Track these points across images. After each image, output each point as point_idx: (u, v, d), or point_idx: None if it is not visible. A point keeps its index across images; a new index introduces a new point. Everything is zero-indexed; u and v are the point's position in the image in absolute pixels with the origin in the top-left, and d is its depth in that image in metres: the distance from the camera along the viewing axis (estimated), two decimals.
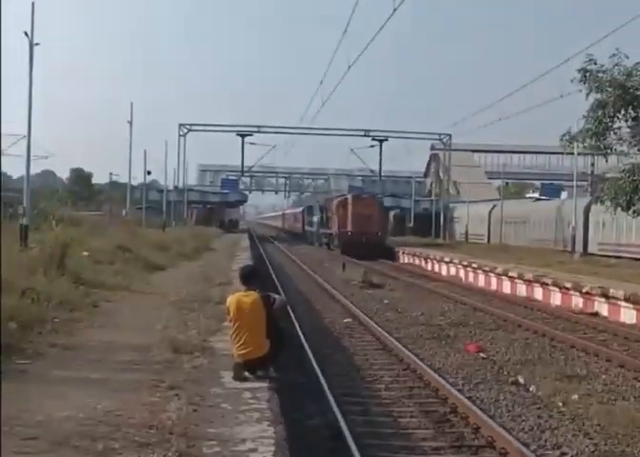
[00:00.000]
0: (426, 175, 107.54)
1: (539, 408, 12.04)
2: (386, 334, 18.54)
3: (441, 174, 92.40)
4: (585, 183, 67.00)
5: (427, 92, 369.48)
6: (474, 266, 36.93)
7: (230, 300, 10.46)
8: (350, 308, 23.92)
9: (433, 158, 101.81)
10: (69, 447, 6.87)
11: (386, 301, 26.67)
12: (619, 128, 28.47)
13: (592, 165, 63.19)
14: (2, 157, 42.25)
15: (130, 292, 19.87)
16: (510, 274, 31.86)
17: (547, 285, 28.29)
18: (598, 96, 27.74)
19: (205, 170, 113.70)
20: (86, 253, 24.10)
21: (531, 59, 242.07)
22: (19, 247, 21.93)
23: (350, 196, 60.92)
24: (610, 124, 28.00)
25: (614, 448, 10.14)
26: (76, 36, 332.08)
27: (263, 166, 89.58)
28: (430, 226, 76.18)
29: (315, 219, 74.70)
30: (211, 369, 10.51)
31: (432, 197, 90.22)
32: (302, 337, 17.34)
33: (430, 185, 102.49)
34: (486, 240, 66.41)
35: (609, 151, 29.13)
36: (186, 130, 79.17)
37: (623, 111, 27.73)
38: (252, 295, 10.30)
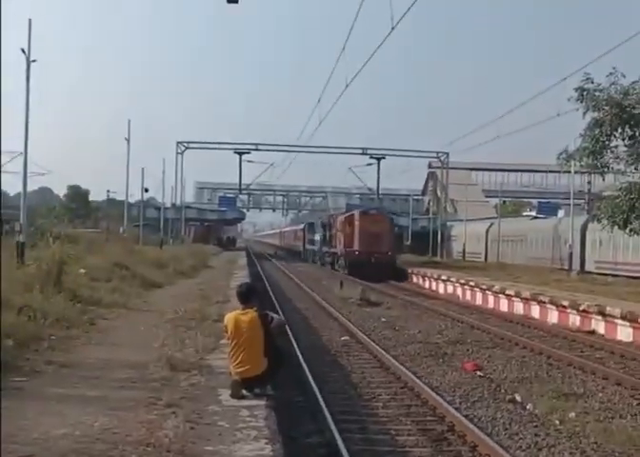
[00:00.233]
0: (423, 193, 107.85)
1: (536, 426, 12.02)
2: (383, 352, 18.52)
3: (438, 192, 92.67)
4: (582, 201, 67.19)
5: (425, 111, 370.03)
6: (471, 284, 36.91)
7: (228, 318, 10.42)
8: (347, 326, 23.90)
9: (431, 176, 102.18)
10: None
11: (383, 319, 26.64)
12: (616, 146, 28.61)
13: (589, 183, 63.41)
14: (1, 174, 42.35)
15: (127, 310, 19.87)
16: (508, 292, 31.84)
17: (544, 303, 28.27)
18: (595, 115, 27.89)
19: (202, 188, 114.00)
20: (83, 271, 24.09)
21: (530, 77, 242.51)
22: (16, 264, 21.91)
23: (357, 212, 55.84)
24: (606, 142, 28.14)
25: None
26: (74, 52, 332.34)
27: (260, 183, 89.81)
28: (428, 244, 76.25)
29: (317, 237, 71.36)
30: (209, 387, 10.49)
31: (430, 215, 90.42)
32: (300, 355, 17.30)
33: (428, 203, 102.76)
34: (483, 258, 66.51)
35: (605, 170, 29.24)
36: (183, 148, 79.38)
37: (620, 130, 27.87)
38: (250, 313, 10.28)
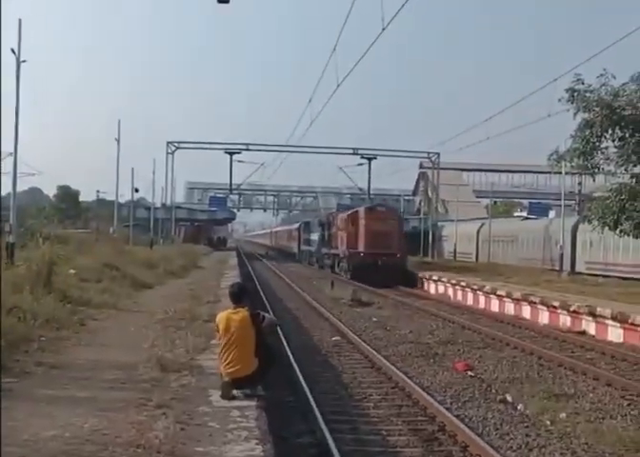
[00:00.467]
0: (414, 194, 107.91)
1: (527, 427, 12.02)
2: (374, 352, 18.52)
3: (429, 193, 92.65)
4: (573, 202, 67.34)
5: (416, 111, 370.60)
6: (463, 284, 36.94)
7: (220, 317, 10.42)
8: (338, 326, 23.89)
9: (422, 176, 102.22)
10: None
11: (374, 319, 26.64)
12: (606, 147, 28.67)
13: (580, 184, 63.58)
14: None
15: (117, 310, 19.81)
16: (499, 293, 31.88)
17: (535, 303, 28.31)
18: (586, 116, 27.94)
19: (193, 188, 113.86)
20: (72, 271, 24.02)
21: (521, 78, 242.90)
22: (5, 264, 21.83)
23: (362, 209, 50.76)
24: (597, 143, 28.21)
25: None
26: (64, 52, 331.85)
27: (251, 183, 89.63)
28: (419, 244, 76.23)
29: (315, 237, 66.67)
30: (199, 388, 10.46)
31: (421, 215, 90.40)
32: (291, 355, 17.28)
33: (419, 203, 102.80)
34: (474, 259, 66.55)
35: (596, 171, 29.31)
36: (174, 148, 79.13)
37: (610, 131, 27.93)
38: (242, 313, 10.28)
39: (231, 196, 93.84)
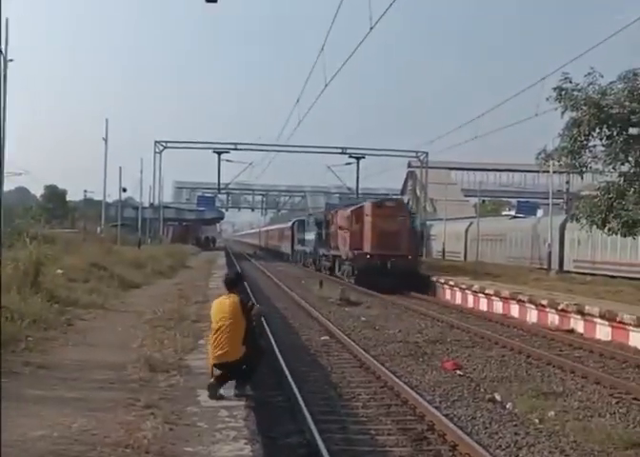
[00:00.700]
0: (402, 193, 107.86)
1: (516, 425, 12.03)
2: (363, 352, 18.50)
3: (418, 192, 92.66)
4: (560, 201, 67.47)
5: (404, 110, 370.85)
6: (451, 283, 36.94)
7: (213, 303, 10.82)
8: (327, 326, 23.86)
9: (410, 176, 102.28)
10: None
11: (363, 318, 26.62)
12: (594, 146, 28.71)
13: (568, 183, 63.69)
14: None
15: (104, 310, 19.77)
16: (487, 291, 31.91)
17: (523, 302, 28.35)
18: (573, 114, 27.97)
19: (181, 188, 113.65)
20: (60, 271, 23.94)
21: (509, 77, 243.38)
22: None
23: (368, 204, 44.00)
24: (585, 142, 28.24)
25: None
26: (52, 52, 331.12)
27: (239, 183, 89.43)
28: None
29: (310, 236, 61.54)
30: (188, 388, 10.45)
31: None
32: (279, 355, 17.24)
33: (407, 202, 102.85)
34: (462, 258, 66.59)
35: (584, 169, 29.35)
36: (162, 148, 78.87)
37: (598, 130, 27.96)
38: (232, 297, 10.54)
39: (220, 196, 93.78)
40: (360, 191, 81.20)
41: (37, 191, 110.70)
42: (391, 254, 40.15)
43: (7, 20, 27.27)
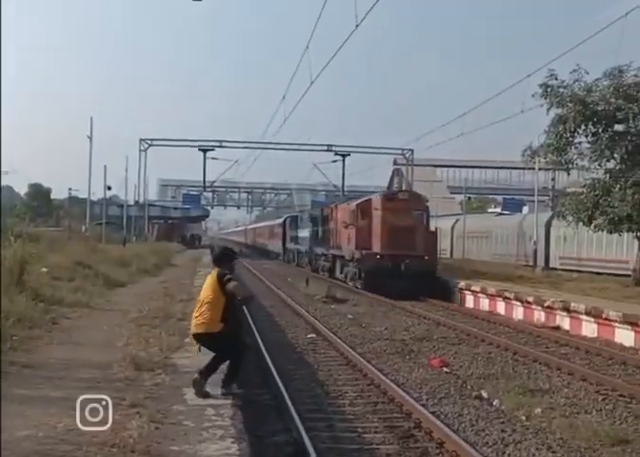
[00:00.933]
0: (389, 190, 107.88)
1: (502, 422, 12.02)
2: (350, 349, 18.47)
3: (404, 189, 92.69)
4: (546, 198, 67.65)
5: (390, 108, 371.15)
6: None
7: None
8: (313, 324, 23.81)
9: (396, 173, 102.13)
10: None
11: (349, 316, 26.59)
12: (580, 143, 28.84)
13: (553, 180, 63.87)
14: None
15: (90, 309, 19.67)
16: (473, 289, 31.93)
17: (509, 299, 28.39)
18: (559, 111, 28.09)
19: (166, 185, 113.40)
20: (45, 270, 23.84)
21: (495, 74, 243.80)
22: None
23: (378, 197, 38.86)
24: (570, 139, 28.38)
25: None
26: (36, 51, 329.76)
27: (225, 181, 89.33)
28: None
29: (304, 233, 57.19)
30: (173, 386, 10.40)
31: None
32: (265, 353, 17.20)
33: None
34: (448, 254, 66.70)
35: (570, 166, 29.46)
36: (147, 145, 78.65)
37: (583, 127, 28.12)
38: (214, 271, 10.74)
39: (205, 193, 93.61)
40: (346, 189, 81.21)
41: (21, 190, 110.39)
42: (406, 254, 35.03)
43: None
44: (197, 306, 10.74)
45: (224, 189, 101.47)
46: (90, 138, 56.07)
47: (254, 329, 21.16)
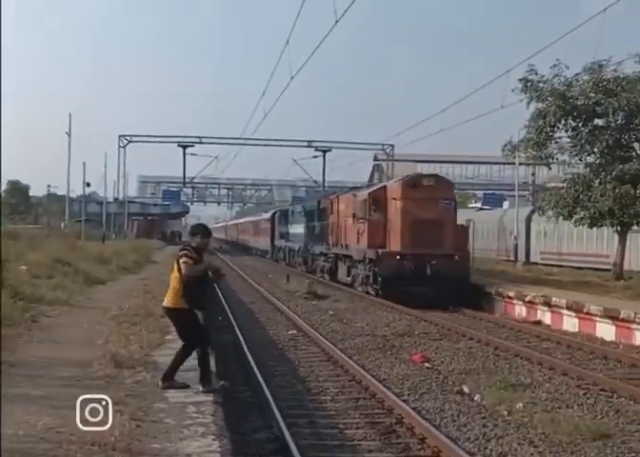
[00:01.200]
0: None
1: (484, 418, 12.04)
2: (331, 345, 18.45)
3: None
4: (526, 192, 67.95)
5: (370, 103, 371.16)
6: None
7: None
8: (294, 320, 23.78)
9: (377, 168, 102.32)
10: None
11: (330, 312, 26.55)
12: (560, 137, 28.94)
13: (533, 175, 64.18)
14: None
15: (69, 307, 19.55)
16: None
17: (490, 294, 28.42)
18: (539, 105, 28.17)
19: (145, 182, 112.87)
20: (24, 267, 23.69)
21: (476, 70, 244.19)
22: None
23: (398, 183, 31.64)
24: (550, 133, 28.48)
25: None
26: (16, 49, 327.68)
27: (205, 177, 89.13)
28: None
29: (297, 230, 50.85)
30: (154, 384, 10.34)
31: None
32: (246, 350, 17.17)
33: None
34: None
35: (550, 161, 29.56)
36: (126, 142, 78.44)
37: (563, 121, 28.24)
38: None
39: (185, 190, 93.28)
40: (327, 184, 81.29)
41: None
42: (432, 254, 29.00)
43: None
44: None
45: (204, 186, 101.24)
46: (69, 135, 55.92)
47: (235, 325, 21.14)
